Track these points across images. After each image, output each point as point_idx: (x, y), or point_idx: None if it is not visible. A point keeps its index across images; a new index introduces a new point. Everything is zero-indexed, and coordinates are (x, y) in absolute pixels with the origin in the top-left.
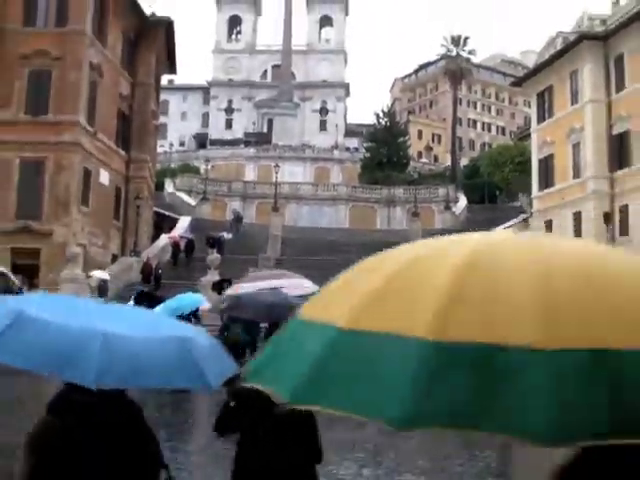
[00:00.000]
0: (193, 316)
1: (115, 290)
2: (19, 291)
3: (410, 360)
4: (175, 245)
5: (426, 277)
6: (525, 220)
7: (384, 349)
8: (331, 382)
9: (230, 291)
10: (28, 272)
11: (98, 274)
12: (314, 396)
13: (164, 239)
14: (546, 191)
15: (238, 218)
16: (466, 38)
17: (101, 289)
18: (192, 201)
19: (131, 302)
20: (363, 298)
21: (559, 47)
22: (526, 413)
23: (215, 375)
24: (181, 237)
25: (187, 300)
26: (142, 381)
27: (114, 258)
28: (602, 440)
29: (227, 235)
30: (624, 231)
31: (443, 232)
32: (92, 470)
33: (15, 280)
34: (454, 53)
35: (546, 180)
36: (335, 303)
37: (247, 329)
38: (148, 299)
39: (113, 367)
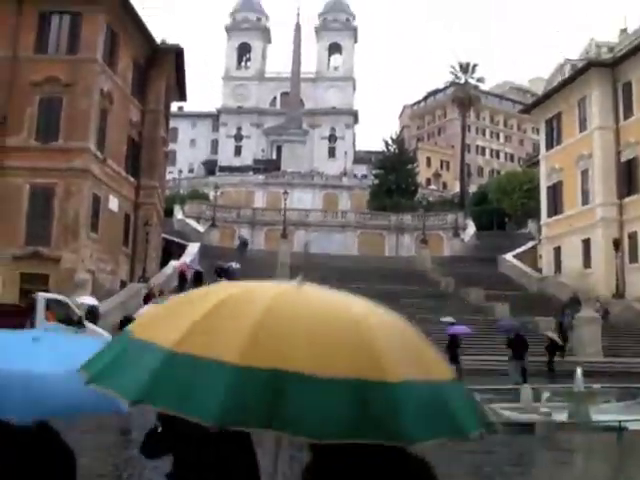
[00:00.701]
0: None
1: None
2: (79, 321)
3: (221, 375)
4: (182, 274)
5: (234, 315)
6: (534, 247)
7: (201, 368)
8: (162, 388)
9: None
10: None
11: (87, 300)
12: (148, 398)
13: (171, 267)
14: (555, 218)
15: (244, 243)
16: (474, 65)
17: (92, 314)
18: (201, 228)
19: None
20: (186, 326)
21: (567, 74)
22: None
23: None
24: (188, 266)
25: None
26: (49, 412)
27: (123, 284)
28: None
29: (235, 265)
30: (634, 258)
31: (452, 259)
32: None
33: (76, 309)
34: (462, 80)
35: (555, 207)
36: (161, 327)
37: None
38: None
39: (33, 404)
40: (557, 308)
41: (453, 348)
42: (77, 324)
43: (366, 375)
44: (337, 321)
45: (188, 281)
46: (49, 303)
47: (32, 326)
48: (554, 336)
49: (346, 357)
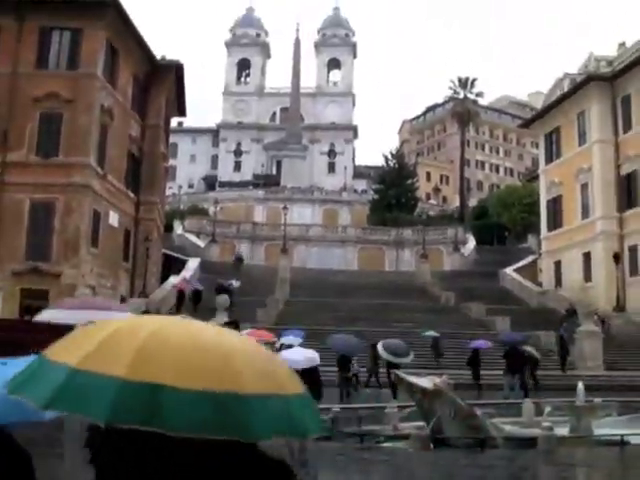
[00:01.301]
0: None
1: None
2: None
3: (111, 385)
4: (180, 292)
5: (125, 340)
6: (534, 261)
7: (96, 380)
8: (64, 395)
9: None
10: (36, 313)
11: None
12: (53, 403)
13: (169, 284)
14: (555, 232)
15: (239, 259)
16: (473, 80)
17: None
18: (201, 243)
19: None
20: (86, 350)
21: (566, 88)
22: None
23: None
24: (188, 283)
25: None
26: None
27: (122, 300)
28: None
29: (236, 283)
30: (634, 271)
31: (452, 273)
32: None
33: None
34: (462, 95)
35: (555, 221)
36: (68, 351)
37: None
38: None
39: None
40: (557, 322)
41: (476, 365)
42: None
43: (227, 388)
44: (207, 346)
45: (186, 299)
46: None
47: None
48: (532, 351)
49: (212, 374)
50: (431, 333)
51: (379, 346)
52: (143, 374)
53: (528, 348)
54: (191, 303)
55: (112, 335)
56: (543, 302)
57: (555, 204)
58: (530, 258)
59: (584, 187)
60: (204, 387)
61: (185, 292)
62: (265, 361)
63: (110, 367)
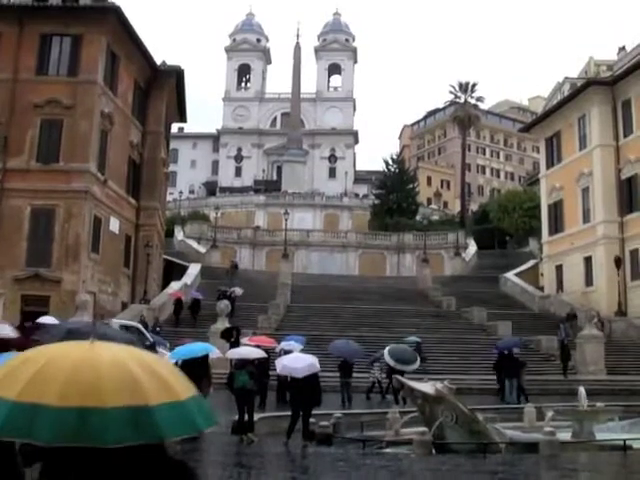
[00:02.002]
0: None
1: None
2: (152, 347)
3: (3, 406)
4: (178, 301)
5: (27, 366)
6: (535, 265)
7: (28, 410)
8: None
9: None
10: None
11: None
12: None
13: (170, 289)
14: (556, 236)
15: (234, 266)
16: (474, 84)
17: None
18: (202, 249)
19: None
20: (19, 381)
21: (566, 93)
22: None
23: None
24: (183, 292)
25: (198, 347)
26: None
27: (124, 306)
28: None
29: (238, 290)
30: (635, 275)
31: (453, 278)
32: None
33: (148, 335)
34: (462, 100)
35: (556, 225)
36: (5, 383)
37: (253, 376)
38: None
39: None
40: (557, 325)
41: (499, 369)
42: (149, 349)
43: (135, 402)
44: (94, 367)
45: (184, 308)
46: (123, 329)
47: None
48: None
49: (120, 391)
50: (413, 339)
51: (385, 352)
52: (29, 395)
53: (516, 350)
54: (190, 313)
55: (21, 362)
56: (545, 306)
57: (556, 208)
58: (531, 262)
59: (585, 191)
60: (76, 404)
61: (183, 301)
62: (161, 371)
63: (7, 391)
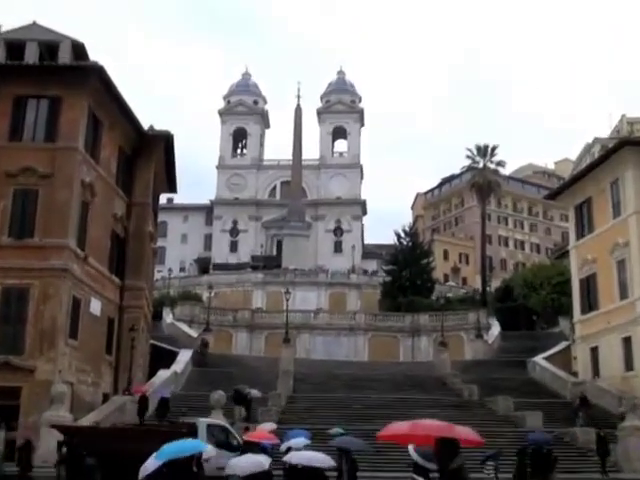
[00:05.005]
0: (196, 463)
1: None
2: (239, 447)
3: None
4: (142, 399)
5: None
6: (567, 348)
7: None
8: None
9: None
10: (6, 414)
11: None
12: None
13: (160, 377)
14: (590, 314)
15: (204, 345)
16: (494, 147)
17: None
18: (194, 332)
19: None
20: None
21: (597, 154)
22: None
23: None
24: (154, 391)
25: (187, 444)
26: None
27: (105, 397)
28: None
29: (256, 393)
30: None
31: (475, 363)
32: None
33: (237, 435)
34: (481, 164)
35: (589, 302)
36: None
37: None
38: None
39: None
40: (600, 418)
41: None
42: (236, 450)
43: None
44: None
45: (148, 409)
46: (210, 428)
47: None
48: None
49: None
50: (337, 430)
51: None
52: None
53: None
54: (155, 416)
55: None
56: (579, 394)
57: (589, 283)
58: (562, 344)
59: (621, 264)
60: None
61: (148, 400)
62: None
63: None
